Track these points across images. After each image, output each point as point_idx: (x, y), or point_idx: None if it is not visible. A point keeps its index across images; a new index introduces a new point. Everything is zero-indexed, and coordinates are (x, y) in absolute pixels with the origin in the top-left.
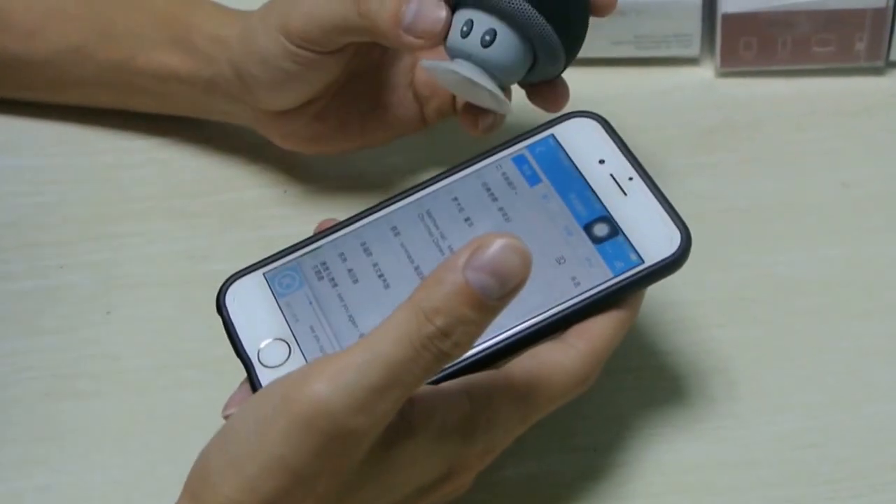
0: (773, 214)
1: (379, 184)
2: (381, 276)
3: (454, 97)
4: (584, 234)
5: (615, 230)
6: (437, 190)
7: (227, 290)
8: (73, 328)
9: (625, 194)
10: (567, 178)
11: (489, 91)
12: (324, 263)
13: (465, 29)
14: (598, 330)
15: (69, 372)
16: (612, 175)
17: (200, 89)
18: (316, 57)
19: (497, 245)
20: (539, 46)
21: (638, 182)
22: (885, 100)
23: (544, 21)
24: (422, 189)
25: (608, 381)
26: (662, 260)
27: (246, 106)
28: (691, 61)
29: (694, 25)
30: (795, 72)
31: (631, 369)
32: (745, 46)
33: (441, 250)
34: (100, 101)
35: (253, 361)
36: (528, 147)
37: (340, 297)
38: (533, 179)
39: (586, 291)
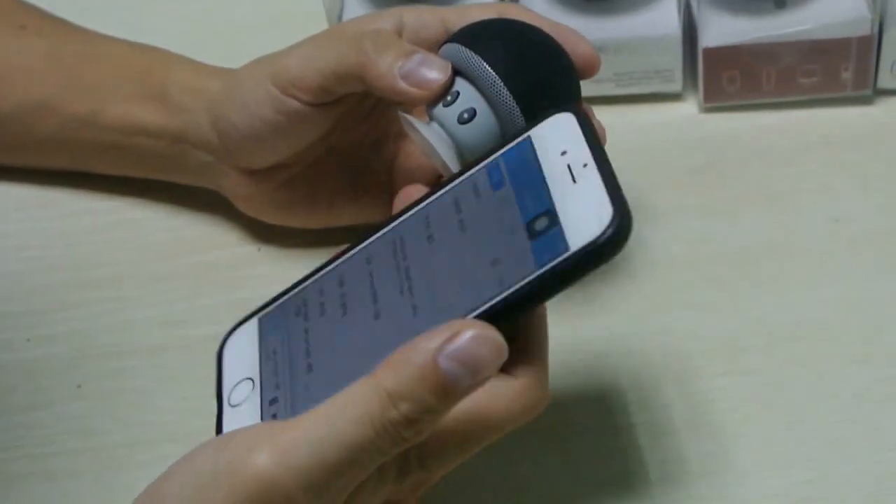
0: (765, 256)
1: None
2: (342, 305)
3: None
4: (524, 231)
5: (554, 222)
6: (416, 212)
7: (226, 339)
8: (44, 404)
9: (574, 182)
10: (528, 176)
11: (446, 164)
12: (304, 300)
13: (449, 98)
14: (535, 350)
15: (43, 451)
16: (568, 165)
17: (168, 141)
18: (301, 108)
19: (469, 334)
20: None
21: (591, 168)
22: (874, 129)
23: (522, 120)
24: (405, 212)
25: (602, 440)
26: (587, 245)
27: (214, 162)
28: (674, 97)
29: (674, 60)
30: (782, 104)
31: (624, 426)
32: (729, 80)
33: (399, 271)
34: (62, 162)
35: (223, 400)
36: (503, 153)
37: (306, 332)
38: (498, 184)
39: (507, 290)
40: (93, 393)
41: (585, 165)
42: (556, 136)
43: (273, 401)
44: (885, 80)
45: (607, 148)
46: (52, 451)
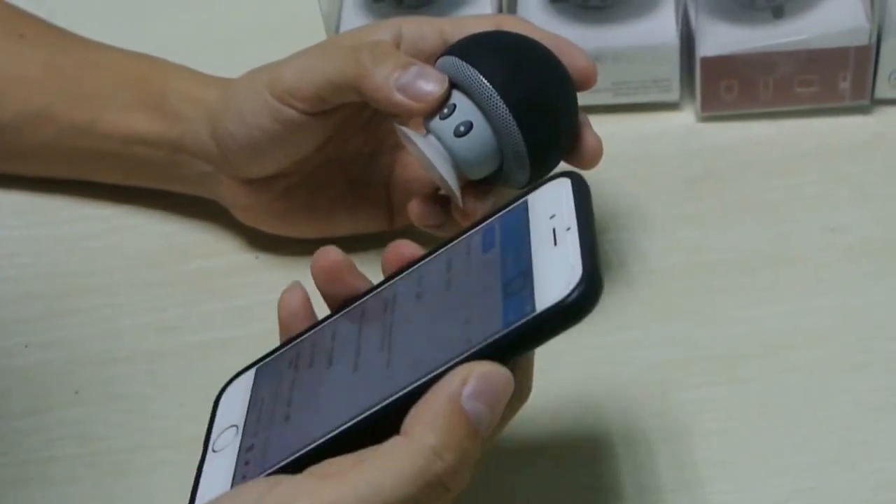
0: (762, 265)
1: (354, 247)
2: (329, 358)
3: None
4: (500, 291)
5: (527, 283)
6: (414, 269)
7: (225, 387)
8: (41, 409)
9: (555, 245)
10: (516, 238)
11: (443, 177)
12: (298, 352)
13: (446, 111)
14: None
15: (41, 456)
16: (553, 228)
17: (167, 151)
18: (298, 117)
19: (481, 372)
20: (507, 154)
21: (573, 232)
22: (871, 139)
23: (519, 133)
24: (405, 269)
25: (597, 449)
26: (552, 306)
27: (213, 172)
28: (672, 106)
29: (672, 70)
30: (779, 113)
31: (620, 434)
32: (727, 89)
33: (383, 327)
34: (59, 170)
35: (208, 445)
36: (500, 216)
37: (292, 382)
38: (489, 246)
39: (473, 348)
40: (91, 398)
41: (568, 229)
42: (549, 200)
43: (250, 448)
44: (882, 90)
45: (605, 159)
46: (50, 455)
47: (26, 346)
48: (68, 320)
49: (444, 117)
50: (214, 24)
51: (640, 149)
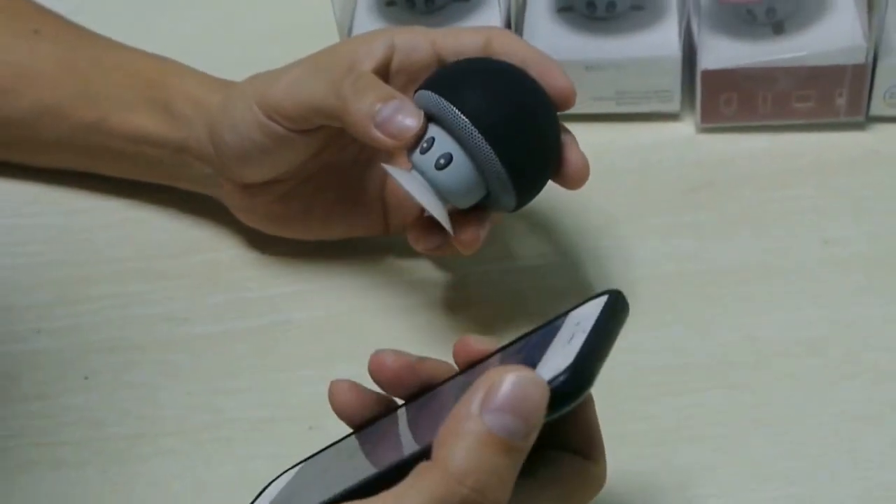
0: (756, 275)
1: (360, 246)
2: (351, 455)
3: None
4: None
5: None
6: (460, 377)
7: (272, 481)
8: (51, 394)
9: (569, 342)
10: (543, 342)
11: (430, 210)
12: (340, 448)
13: (425, 145)
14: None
15: (50, 440)
16: (573, 332)
17: (172, 151)
18: (284, 133)
19: (510, 381)
20: (491, 181)
21: (586, 332)
22: (866, 155)
23: (497, 159)
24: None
25: None
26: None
27: (214, 174)
28: (672, 117)
29: (674, 81)
30: (776, 127)
31: (611, 436)
32: (726, 102)
33: (411, 421)
34: (71, 163)
35: None
36: (543, 328)
37: (326, 470)
38: (518, 352)
39: None
40: (99, 385)
41: (584, 330)
42: (584, 312)
43: None
44: (877, 108)
45: (606, 166)
46: (58, 440)
47: (38, 332)
48: (79, 308)
49: (424, 151)
50: (228, 25)
51: (640, 157)
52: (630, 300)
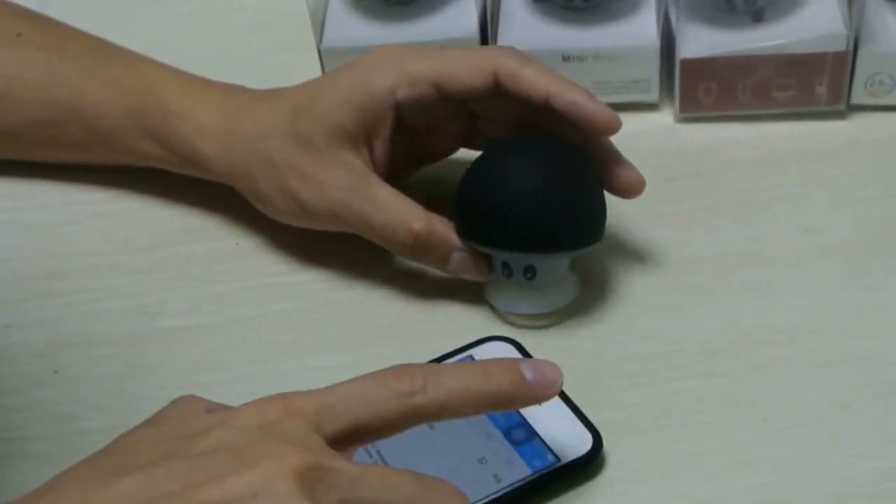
0: (738, 263)
1: (334, 237)
2: None
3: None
4: (503, 437)
5: (532, 434)
6: None
7: None
8: (22, 388)
9: (539, 405)
10: None
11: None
12: None
13: (506, 272)
14: None
15: (20, 435)
16: None
17: (180, 164)
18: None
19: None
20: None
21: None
22: (846, 144)
23: (558, 243)
24: None
25: None
26: (577, 458)
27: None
28: (651, 107)
29: (652, 71)
30: (756, 116)
31: (595, 424)
32: (705, 91)
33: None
34: (91, 159)
35: None
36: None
37: None
38: None
39: (508, 486)
40: (69, 379)
41: None
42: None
43: None
44: (858, 97)
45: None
46: (29, 434)
47: (7, 327)
48: (49, 302)
49: (508, 276)
50: (202, 18)
51: (619, 147)
52: (612, 289)
